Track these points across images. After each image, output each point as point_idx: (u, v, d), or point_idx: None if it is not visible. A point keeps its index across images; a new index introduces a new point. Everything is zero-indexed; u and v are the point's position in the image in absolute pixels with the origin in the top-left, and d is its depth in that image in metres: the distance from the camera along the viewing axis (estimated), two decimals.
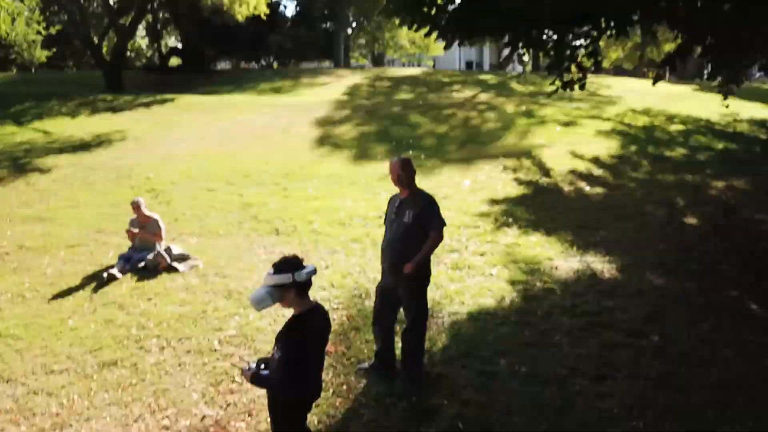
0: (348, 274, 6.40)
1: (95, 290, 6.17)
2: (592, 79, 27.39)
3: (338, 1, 35.56)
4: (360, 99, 20.06)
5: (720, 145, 12.58)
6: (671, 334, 5.10)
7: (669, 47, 40.21)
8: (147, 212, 7.21)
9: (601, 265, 6.64)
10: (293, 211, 8.64)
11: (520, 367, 4.60)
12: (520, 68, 42.84)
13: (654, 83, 7.90)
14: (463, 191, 9.52)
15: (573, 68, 7.21)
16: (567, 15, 6.25)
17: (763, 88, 24.33)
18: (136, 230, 7.04)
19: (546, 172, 10.58)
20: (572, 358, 4.73)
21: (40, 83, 25.15)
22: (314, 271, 3.07)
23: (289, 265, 3.02)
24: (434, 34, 6.86)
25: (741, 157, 11.65)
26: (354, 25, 39.31)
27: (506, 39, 7.03)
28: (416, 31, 7.06)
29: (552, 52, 6.99)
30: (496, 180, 10.13)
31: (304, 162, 11.59)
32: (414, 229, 4.34)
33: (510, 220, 8.08)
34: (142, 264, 6.77)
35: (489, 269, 6.52)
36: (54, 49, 32.86)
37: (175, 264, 6.73)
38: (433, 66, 41.32)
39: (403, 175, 4.42)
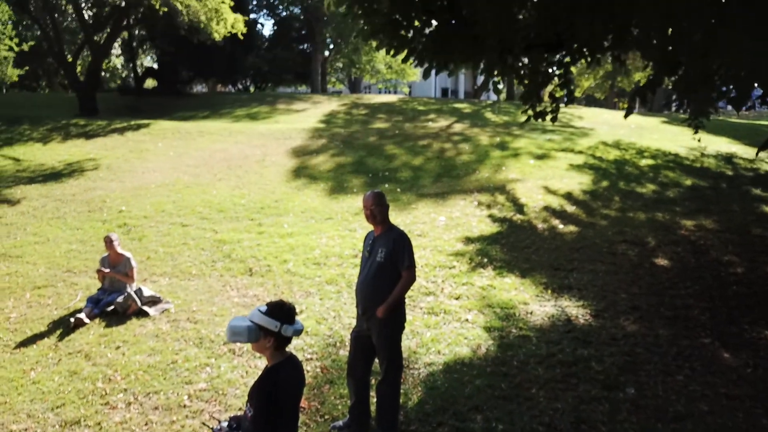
0: (322, 319, 6.33)
1: (61, 338, 5.99)
2: (564, 110, 28.03)
3: (316, 20, 35.79)
4: (336, 127, 20.10)
5: (688, 182, 12.84)
6: (646, 386, 5.13)
7: (639, 76, 41.33)
8: (119, 250, 7.08)
9: (576, 310, 6.68)
10: (268, 249, 8.55)
11: (497, 423, 4.57)
12: (494, 96, 43.64)
13: (626, 116, 7.96)
14: (438, 228, 9.54)
15: (546, 98, 7.31)
16: (540, 41, 6.35)
17: (729, 122, 25.01)
18: (107, 270, 6.89)
19: (520, 208, 10.67)
20: (548, 413, 4.71)
21: (11, 105, 24.76)
22: (301, 331, 3.02)
23: (282, 313, 2.93)
24: (411, 60, 6.87)
25: (709, 195, 11.90)
26: (331, 47, 39.57)
27: (481, 65, 7.07)
28: (393, 55, 7.02)
29: (525, 80, 7.07)
30: (470, 216, 10.18)
31: (280, 195, 11.51)
32: (386, 268, 4.29)
33: (485, 260, 8.11)
34: (111, 307, 6.61)
35: (465, 314, 6.50)
36: (26, 68, 32.43)
37: (145, 308, 6.58)
38: (410, 93, 41.81)
39: (377, 210, 4.37)
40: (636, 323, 6.38)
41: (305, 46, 39.38)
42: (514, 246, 8.76)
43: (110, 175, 13.28)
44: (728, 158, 15.42)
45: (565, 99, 7.54)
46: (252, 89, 39.80)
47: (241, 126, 19.92)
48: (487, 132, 18.87)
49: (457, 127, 20.50)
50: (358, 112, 25.10)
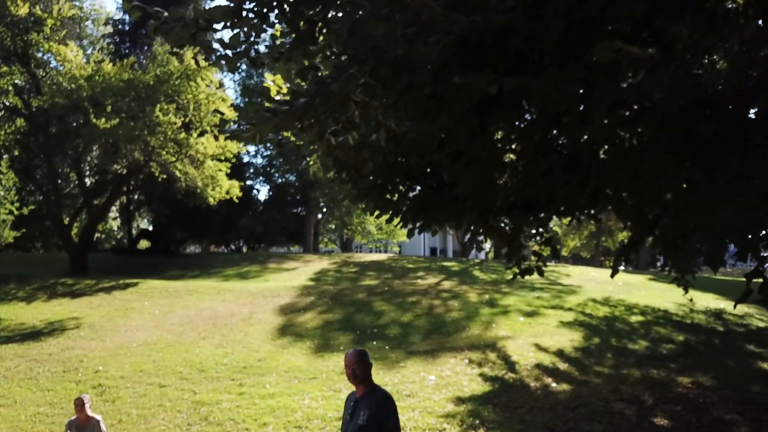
0: None
1: None
2: (552, 269, 28.45)
3: (309, 186, 37.36)
4: (326, 284, 20.15)
5: (681, 337, 12.68)
6: None
7: (622, 236, 42.47)
8: (90, 412, 6.67)
9: None
10: (247, 411, 8.12)
11: None
12: (482, 255, 44.53)
13: (612, 275, 8.03)
14: (427, 388, 9.18)
15: (532, 256, 7.41)
16: (520, 203, 6.55)
17: (714, 278, 25.35)
18: None
19: (511, 366, 10.38)
20: None
21: (2, 265, 24.85)
22: None
23: None
24: (396, 220, 7.04)
25: (703, 351, 11.70)
26: (324, 210, 40.95)
27: (464, 226, 7.24)
28: (378, 217, 7.23)
29: (507, 240, 7.20)
30: (461, 375, 9.85)
31: (264, 354, 11.19)
32: (370, 431, 4.04)
33: (477, 422, 7.70)
34: None
35: None
36: (23, 230, 33.08)
37: None
38: (399, 252, 42.61)
39: (358, 369, 4.19)
40: None
41: (299, 209, 40.79)
42: (506, 406, 8.38)
43: (91, 333, 12.97)
44: (718, 314, 15.39)
45: (549, 256, 7.69)
46: (245, 249, 40.48)
47: (230, 285, 19.94)
48: (476, 289, 18.93)
49: (446, 284, 20.62)
50: (348, 270, 25.34)
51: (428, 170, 6.54)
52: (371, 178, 6.61)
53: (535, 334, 12.90)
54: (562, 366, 10.42)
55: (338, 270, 25.56)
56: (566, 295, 18.25)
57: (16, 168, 23.94)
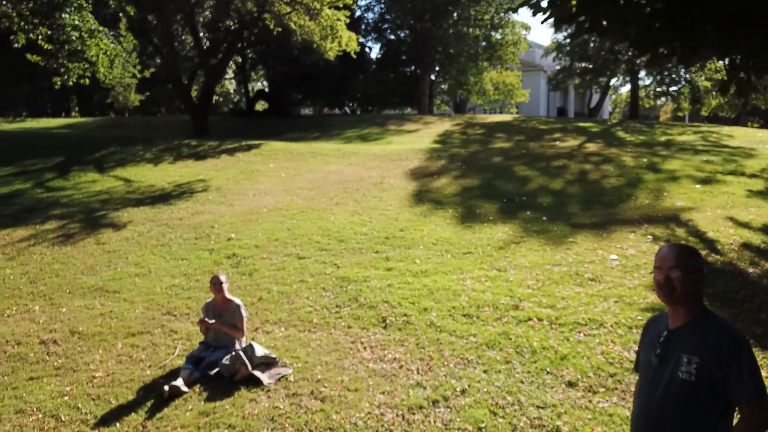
0: (497, 407, 4.51)
1: (151, 413, 4.57)
2: (707, 128, 24.86)
3: (423, 43, 34.42)
4: (454, 148, 18.44)
5: None
6: None
7: None
8: (228, 295, 5.65)
9: None
10: (401, 292, 6.89)
11: None
12: (605, 115, 40.15)
13: None
14: (613, 270, 7.49)
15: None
16: None
17: None
18: (212, 321, 5.47)
19: (711, 245, 8.40)
20: None
21: (128, 127, 25.23)
22: None
23: None
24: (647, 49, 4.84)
25: None
26: (437, 69, 38.08)
27: (740, 54, 4.98)
28: (602, 37, 5.00)
29: None
30: (649, 255, 8.02)
31: (404, 223, 9.90)
32: (700, 392, 2.33)
33: None
34: (215, 370, 5.17)
35: None
36: (147, 93, 33.51)
37: (257, 373, 5.07)
38: (517, 112, 39.34)
39: (681, 278, 2.36)
40: None
41: (412, 68, 38.13)
42: (726, 299, 6.56)
43: (219, 197, 12.29)
44: None
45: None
46: (358, 112, 39.14)
47: (353, 147, 18.73)
48: (628, 152, 16.45)
49: (590, 146, 18.23)
50: (474, 132, 23.40)
51: None
52: None
53: (722, 205, 10.64)
54: None
55: (463, 132, 23.66)
56: (741, 159, 15.38)
57: (133, 29, 23.23)
